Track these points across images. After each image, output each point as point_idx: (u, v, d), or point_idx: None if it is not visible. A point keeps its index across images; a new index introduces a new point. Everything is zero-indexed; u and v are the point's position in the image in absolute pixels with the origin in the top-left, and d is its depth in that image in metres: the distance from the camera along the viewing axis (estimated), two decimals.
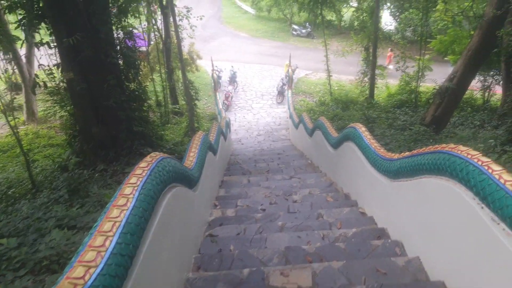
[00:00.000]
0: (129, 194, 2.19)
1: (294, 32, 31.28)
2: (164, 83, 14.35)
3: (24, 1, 7.25)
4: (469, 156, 2.17)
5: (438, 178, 2.54)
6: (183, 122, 13.85)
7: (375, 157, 4.02)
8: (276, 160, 9.18)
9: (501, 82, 12.36)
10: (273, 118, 18.01)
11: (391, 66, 23.34)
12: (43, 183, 6.58)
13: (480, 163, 2.06)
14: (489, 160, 2.04)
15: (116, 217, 2.04)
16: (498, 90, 13.91)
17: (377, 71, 15.20)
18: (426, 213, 2.79)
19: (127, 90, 7.45)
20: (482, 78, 14.15)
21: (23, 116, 14.69)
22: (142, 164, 2.56)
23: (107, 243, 1.75)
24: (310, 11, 17.26)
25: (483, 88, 14.54)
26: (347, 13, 26.52)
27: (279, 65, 24.08)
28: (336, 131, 6.48)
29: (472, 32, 11.90)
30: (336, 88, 18.77)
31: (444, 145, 2.52)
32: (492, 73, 13.95)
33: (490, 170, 1.96)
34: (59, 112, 8.15)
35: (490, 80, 14.27)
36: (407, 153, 3.26)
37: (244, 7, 37.16)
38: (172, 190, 2.92)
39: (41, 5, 6.69)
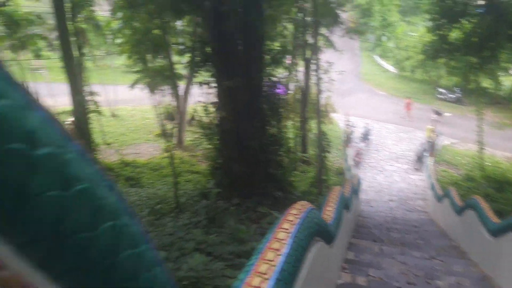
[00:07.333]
0: (283, 239, 2.17)
1: (440, 96, 29.03)
2: (297, 131, 14.72)
3: (196, 46, 8.46)
4: None
5: None
6: (309, 171, 13.84)
7: None
8: (413, 233, 8.22)
9: None
10: (408, 185, 16.51)
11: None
12: (185, 205, 7.18)
13: None
14: None
15: (271, 260, 2.03)
16: None
17: None
18: None
19: (269, 134, 7.82)
20: None
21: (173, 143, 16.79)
22: (293, 211, 2.54)
23: (263, 285, 1.76)
24: (462, 76, 15.90)
25: None
26: (506, 81, 23.70)
27: (418, 128, 22.48)
28: (495, 216, 5.53)
29: None
30: (489, 164, 16.45)
31: None
32: None
33: None
34: (206, 144, 8.87)
35: None
36: None
37: (385, 66, 36.48)
38: (316, 244, 2.82)
39: (207, 50, 7.65)
